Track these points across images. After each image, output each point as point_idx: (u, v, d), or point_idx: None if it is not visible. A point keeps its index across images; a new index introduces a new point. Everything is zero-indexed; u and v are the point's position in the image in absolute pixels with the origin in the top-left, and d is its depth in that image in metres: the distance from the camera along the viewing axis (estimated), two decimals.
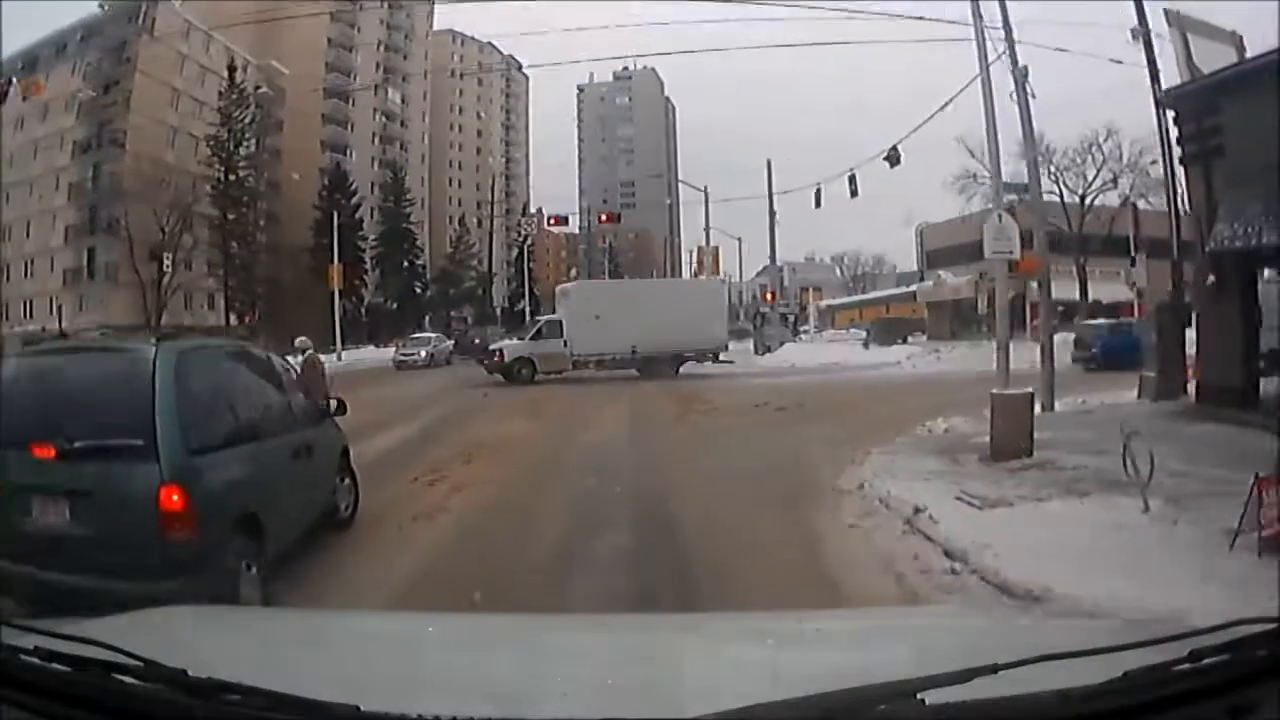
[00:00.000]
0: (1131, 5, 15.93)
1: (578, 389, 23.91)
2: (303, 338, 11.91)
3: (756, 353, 37.26)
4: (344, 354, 42.64)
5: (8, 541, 4.23)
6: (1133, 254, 37.29)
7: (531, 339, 27.18)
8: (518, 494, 9.04)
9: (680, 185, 63.87)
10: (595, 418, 16.32)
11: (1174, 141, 14.15)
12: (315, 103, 62.10)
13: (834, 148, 51.28)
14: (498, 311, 68.45)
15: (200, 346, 5.41)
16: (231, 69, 55.01)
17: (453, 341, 41.73)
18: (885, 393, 20.31)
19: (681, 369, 28.38)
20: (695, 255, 51.15)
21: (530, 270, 69.25)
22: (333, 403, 7.24)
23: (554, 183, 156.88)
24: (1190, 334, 14.90)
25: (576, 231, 78.00)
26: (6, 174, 48.01)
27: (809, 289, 64.67)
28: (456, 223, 79.21)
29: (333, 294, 43.68)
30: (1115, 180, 45.79)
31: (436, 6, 77.29)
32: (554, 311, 30.52)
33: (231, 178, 54.33)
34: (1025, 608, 4.78)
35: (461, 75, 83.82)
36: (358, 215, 62.26)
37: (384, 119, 72.87)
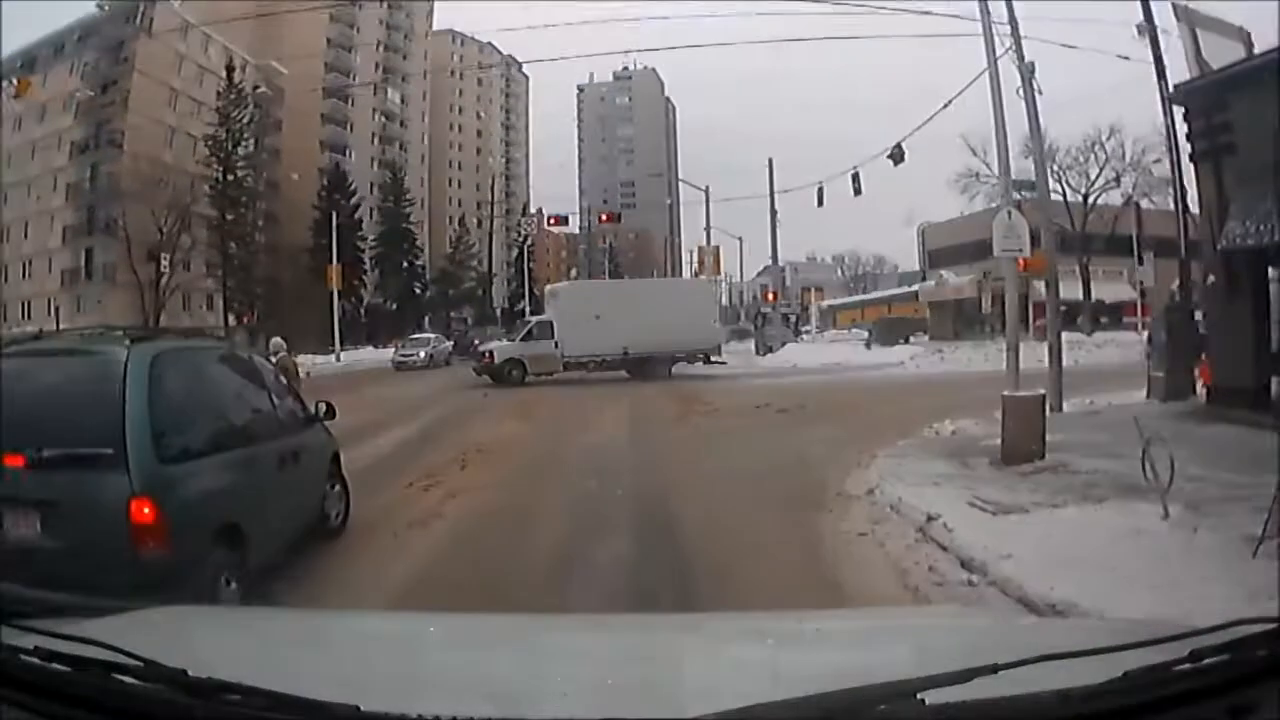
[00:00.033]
0: (1137, 2, 15.78)
1: (575, 390, 23.70)
2: (276, 339, 11.71)
3: (758, 353, 37.08)
4: (343, 355, 42.58)
5: None
6: (1138, 253, 37.31)
7: (522, 340, 26.87)
8: (517, 499, 8.81)
9: (681, 185, 63.72)
10: (595, 419, 16.12)
11: (1183, 138, 13.92)
12: (314, 103, 61.93)
13: (835, 146, 51.15)
14: (498, 312, 68.31)
15: (177, 348, 5.15)
16: (230, 69, 54.88)
17: (452, 342, 41.55)
18: (889, 394, 20.11)
19: (676, 370, 28.17)
20: (696, 255, 50.95)
21: (530, 270, 69.14)
22: (321, 406, 6.98)
23: (554, 183, 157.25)
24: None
25: (576, 231, 77.89)
26: (4, 174, 47.90)
27: (810, 289, 64.56)
28: (456, 223, 79.09)
29: (332, 294, 43.52)
30: (1118, 179, 45.72)
31: (436, 6, 77.44)
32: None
33: (230, 178, 54.20)
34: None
35: (461, 75, 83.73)
36: (357, 215, 62.16)
37: (383, 119, 72.75)
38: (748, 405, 17.59)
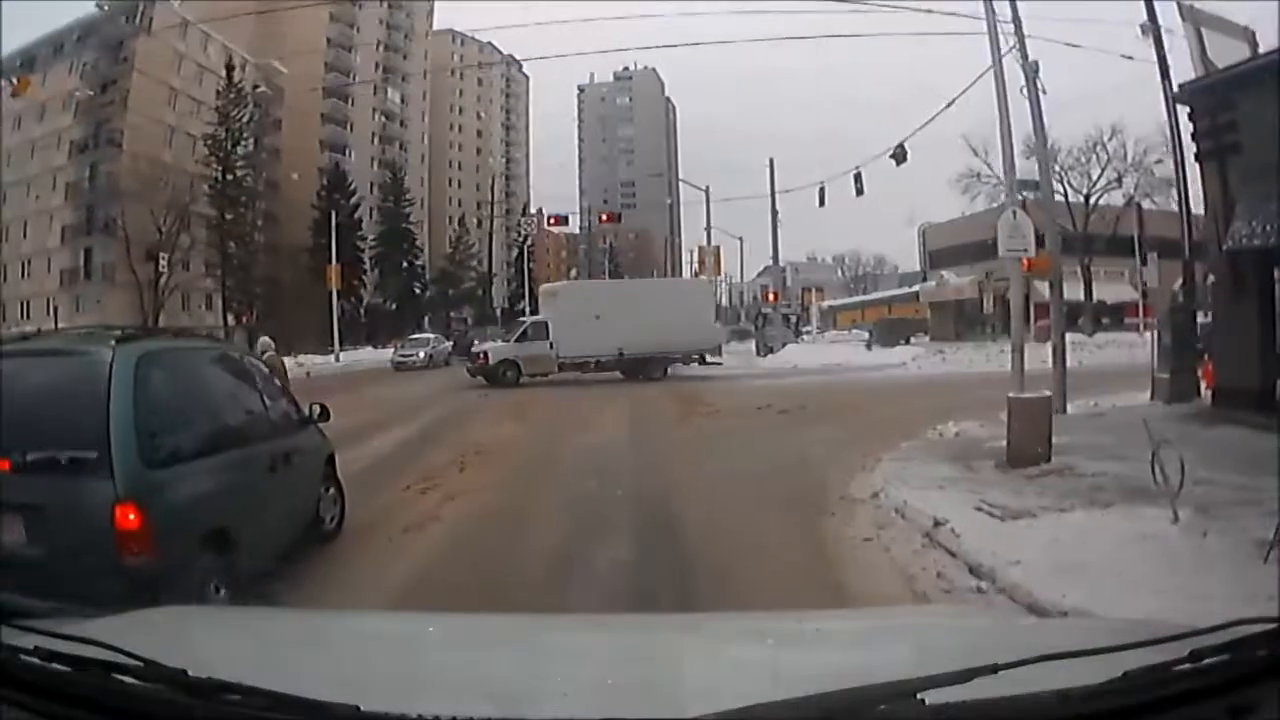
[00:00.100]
0: (1141, 1, 15.69)
1: (573, 391, 23.62)
2: (264, 338, 11.60)
3: (758, 354, 36.99)
4: (342, 355, 42.50)
5: None
6: (1140, 254, 37.18)
7: (517, 341, 26.70)
8: (517, 501, 8.72)
9: (681, 185, 63.63)
10: (595, 420, 16.02)
11: (1189, 138, 13.84)
12: (314, 102, 61.82)
13: (836, 146, 51.22)
14: (498, 312, 68.16)
15: (164, 349, 5.02)
16: (230, 68, 54.78)
17: (451, 343, 41.46)
18: (891, 395, 20.02)
19: (675, 371, 28.09)
20: (696, 255, 50.87)
21: (530, 270, 68.97)
22: (315, 408, 6.86)
23: (554, 183, 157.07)
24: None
25: (576, 231, 77.81)
26: (4, 174, 47.82)
27: (811, 289, 64.43)
28: (456, 223, 79.00)
29: (331, 294, 43.38)
30: (1120, 180, 45.66)
31: (436, 6, 77.36)
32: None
33: (229, 177, 54.09)
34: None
35: (461, 75, 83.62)
36: (357, 215, 62.07)
37: (383, 119, 72.66)
38: (748, 406, 17.49)
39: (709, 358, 30.06)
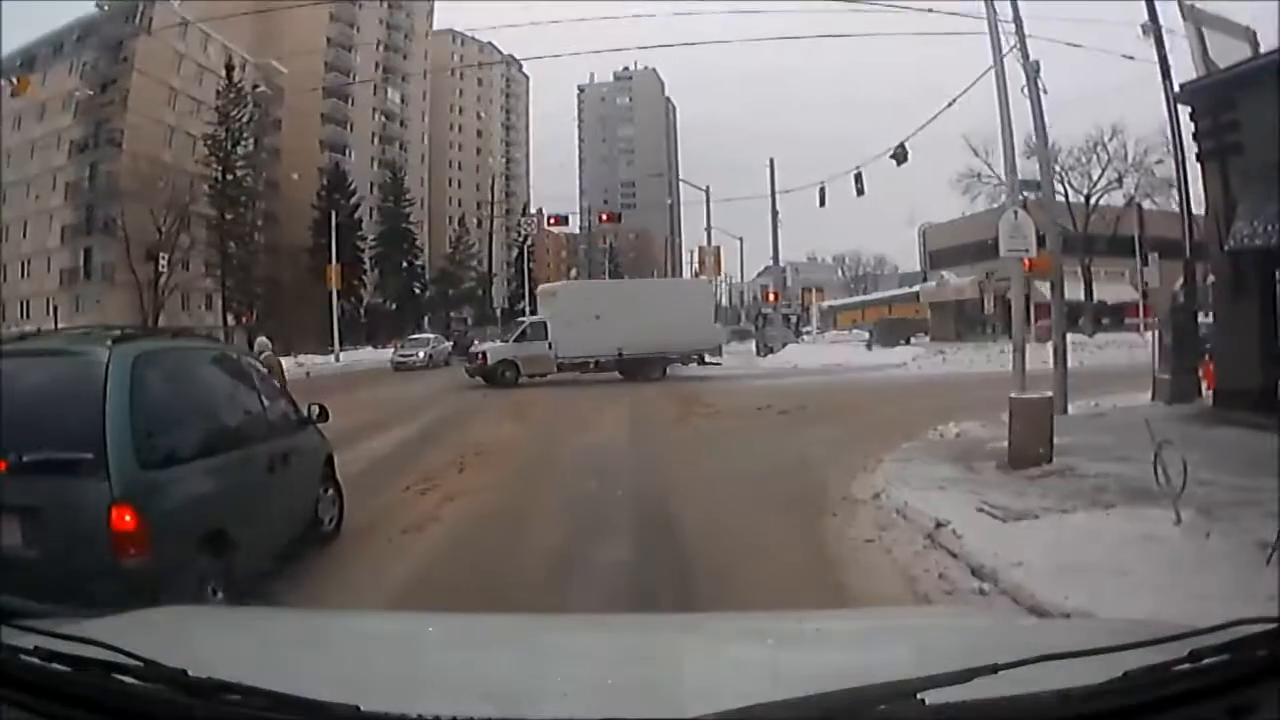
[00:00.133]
0: (1142, 1, 15.67)
1: (572, 391, 23.59)
2: (262, 338, 11.59)
3: (758, 354, 36.97)
4: (342, 355, 42.50)
5: None
6: (1141, 254, 37.17)
7: (515, 341, 26.61)
8: (516, 502, 8.69)
9: (681, 185, 63.58)
10: (595, 421, 15.99)
11: (1190, 138, 13.82)
12: (314, 102, 61.79)
13: (837, 145, 51.15)
14: (498, 312, 68.11)
15: (161, 349, 4.99)
16: (229, 68, 54.77)
17: (451, 343, 41.43)
18: (891, 395, 19.99)
19: (675, 371, 28.04)
20: (696, 255, 50.85)
21: (530, 270, 68.91)
22: (314, 409, 6.83)
23: (554, 183, 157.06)
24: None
25: (576, 231, 77.79)
26: (4, 174, 47.79)
27: (811, 289, 64.38)
28: (456, 223, 78.99)
29: (331, 294, 43.36)
30: (1120, 180, 45.65)
31: (436, 6, 77.33)
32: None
33: (229, 177, 54.08)
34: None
35: (461, 75, 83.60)
36: (357, 215, 62.05)
37: (383, 119, 72.66)
38: (749, 406, 17.45)
39: (708, 358, 30.01)
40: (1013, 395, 9.57)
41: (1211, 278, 13.86)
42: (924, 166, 29.65)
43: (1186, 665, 1.26)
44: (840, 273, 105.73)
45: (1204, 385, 13.91)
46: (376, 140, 71.69)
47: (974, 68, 16.58)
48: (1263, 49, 13.62)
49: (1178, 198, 17.87)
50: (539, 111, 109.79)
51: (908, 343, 41.95)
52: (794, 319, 50.04)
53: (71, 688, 1.30)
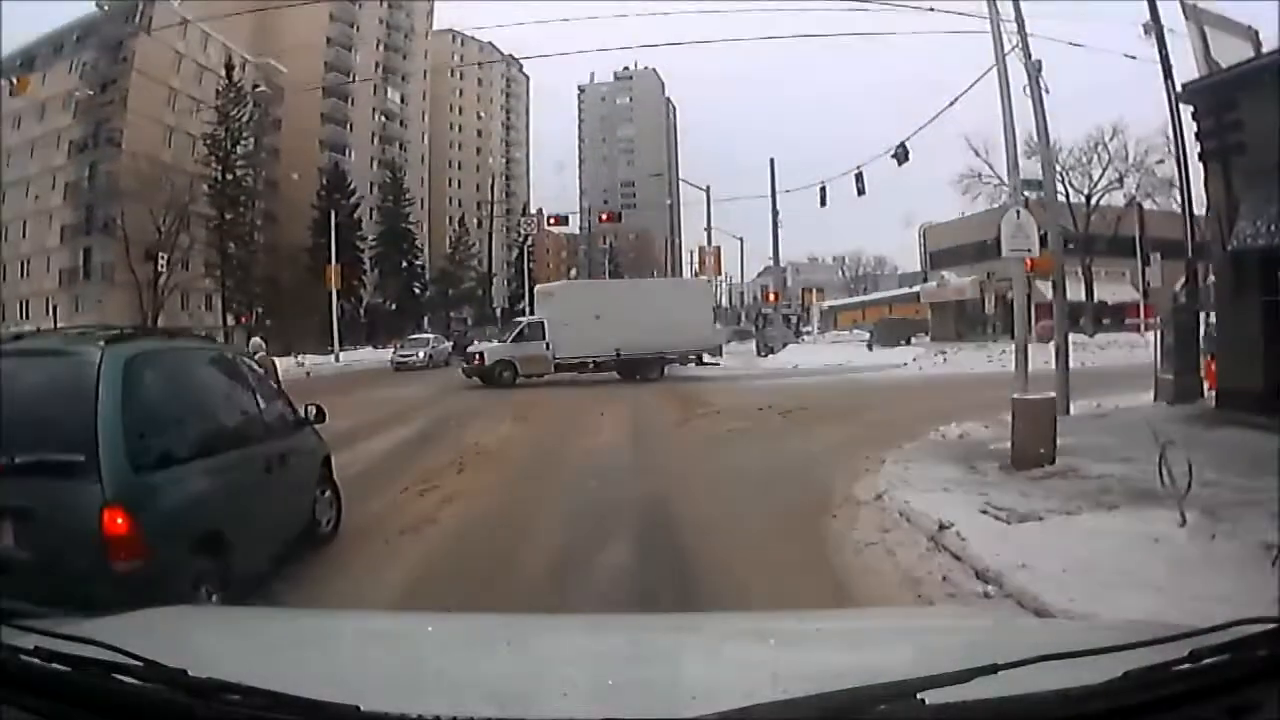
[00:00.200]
0: (1144, 1, 15.64)
1: (571, 391, 23.53)
2: (255, 339, 11.59)
3: (759, 354, 36.93)
4: (342, 355, 42.47)
5: None
6: (1142, 254, 37.16)
7: (513, 341, 26.49)
8: (516, 503, 8.64)
9: (681, 185, 63.58)
10: (595, 421, 15.93)
11: (1193, 137, 13.77)
12: (314, 102, 61.77)
13: (837, 145, 50.94)
14: (498, 312, 68.05)
15: (155, 349, 4.93)
16: (229, 67, 54.74)
17: (451, 343, 41.39)
18: (892, 395, 19.96)
19: (674, 371, 27.98)
20: (696, 255, 50.81)
21: (530, 270, 68.84)
22: (311, 409, 6.77)
23: (554, 183, 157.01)
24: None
25: (576, 232, 77.61)
26: (3, 173, 47.76)
27: (811, 289, 64.21)
28: (456, 223, 78.96)
29: (331, 294, 43.33)
30: (1121, 180, 45.60)
31: (436, 5, 77.27)
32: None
33: (229, 177, 54.07)
34: None
35: (461, 75, 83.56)
36: (356, 215, 61.99)
37: (383, 118, 72.61)
38: (749, 407, 17.40)
39: (706, 358, 29.96)
40: (1015, 396, 9.52)
41: (1212, 277, 13.81)
42: (924, 166, 29.70)
43: (1186, 665, 1.27)
44: (840, 273, 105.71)
45: (1206, 385, 13.87)
46: (376, 140, 71.65)
47: (975, 67, 16.58)
48: (1265, 49, 13.60)
49: (1179, 197, 17.89)
50: (539, 111, 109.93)
51: (908, 343, 41.96)
52: (794, 319, 50.04)
53: (71, 688, 1.30)
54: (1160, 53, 15.32)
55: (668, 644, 2.13)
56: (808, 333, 51.04)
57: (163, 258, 47.11)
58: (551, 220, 51.79)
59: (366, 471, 9.99)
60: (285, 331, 45.32)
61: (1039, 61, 13.29)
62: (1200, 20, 14.50)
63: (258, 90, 56.82)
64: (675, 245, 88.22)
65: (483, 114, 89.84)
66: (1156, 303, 26.11)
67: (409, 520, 7.64)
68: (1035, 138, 14.71)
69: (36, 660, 1.32)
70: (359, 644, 2.15)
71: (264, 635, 2.19)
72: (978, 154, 44.42)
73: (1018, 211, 10.71)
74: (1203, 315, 15.67)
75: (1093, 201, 46.00)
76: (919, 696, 1.21)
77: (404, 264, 68.55)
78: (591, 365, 26.75)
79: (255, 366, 6.47)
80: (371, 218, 66.65)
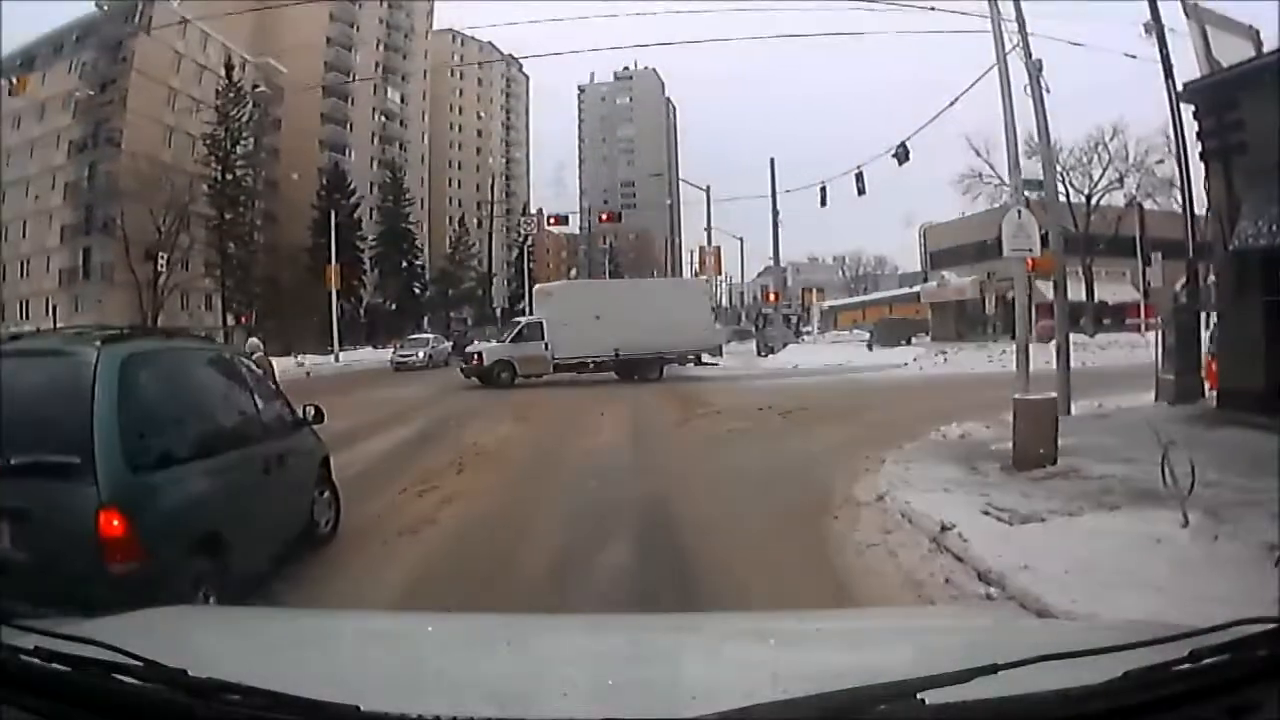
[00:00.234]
0: (1144, 0, 15.61)
1: (570, 392, 23.49)
2: (252, 339, 11.55)
3: (759, 354, 36.92)
4: (342, 355, 42.46)
5: None
6: (1142, 254, 37.16)
7: (511, 341, 26.41)
8: (516, 504, 8.60)
9: (681, 185, 63.56)
10: (595, 422, 15.90)
11: (1194, 137, 13.74)
12: (314, 102, 61.75)
13: (838, 145, 50.85)
14: (498, 312, 68.06)
15: (152, 349, 4.90)
16: (229, 67, 54.73)
17: (451, 343, 41.38)
18: (893, 395, 19.93)
19: (674, 371, 27.93)
20: (696, 255, 50.80)
21: (530, 270, 68.82)
22: (309, 410, 6.74)
23: (554, 183, 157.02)
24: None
25: (576, 232, 77.62)
26: (3, 173, 47.74)
27: (811, 289, 64.24)
28: (456, 223, 78.93)
29: (330, 294, 43.31)
30: (1121, 180, 45.57)
31: (436, 5, 77.25)
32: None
33: (229, 177, 54.05)
34: None
35: (461, 75, 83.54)
36: (356, 215, 61.97)
37: (383, 118, 72.59)
38: (750, 407, 17.36)
39: (706, 358, 29.91)
40: (1017, 396, 9.49)
41: (1213, 277, 13.78)
42: (925, 166, 29.70)
43: (1186, 665, 1.27)
44: (841, 273, 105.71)
45: (1207, 385, 13.84)
46: (376, 140, 71.63)
47: (975, 66, 16.54)
48: (1266, 48, 13.57)
49: (1180, 197, 17.86)
50: (539, 111, 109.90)
51: (908, 343, 41.96)
52: (794, 319, 50.02)
53: (71, 688, 1.30)
54: (1161, 52, 15.31)
55: (668, 644, 2.13)
56: (808, 333, 51.03)
57: (162, 258, 47.10)
58: (551, 220, 51.76)
59: (366, 472, 9.97)
60: (285, 331, 45.32)
61: (1040, 61, 13.27)
62: (1201, 19, 14.47)
63: (257, 90, 56.81)
64: (675, 245, 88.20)
65: (483, 114, 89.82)
66: (1157, 303, 26.10)
67: (408, 521, 7.61)
68: (1035, 137, 14.68)
69: (36, 660, 1.32)
70: (359, 644, 2.15)
71: (264, 635, 2.19)
72: (978, 154, 44.41)
73: (1019, 211, 10.68)
74: (1203, 315, 15.67)
75: (1093, 201, 45.98)
76: (919, 696, 1.22)
77: (404, 264, 68.53)
78: (592, 365, 26.72)
79: (252, 366, 6.44)
80: (371, 218, 66.63)
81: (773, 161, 38.37)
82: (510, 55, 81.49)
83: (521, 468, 11.04)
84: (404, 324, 58.99)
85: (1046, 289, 16.49)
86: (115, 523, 3.80)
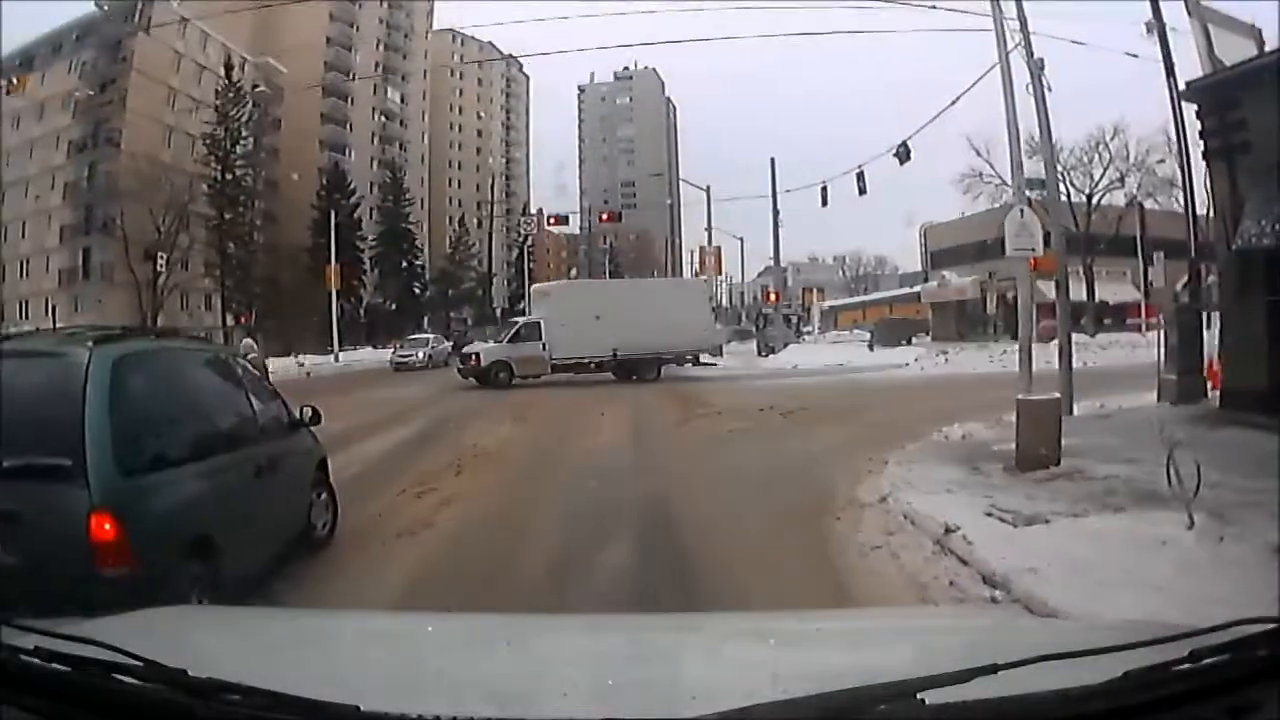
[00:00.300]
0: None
1: (569, 392, 23.44)
2: (247, 340, 11.49)
3: (759, 354, 36.89)
4: (341, 355, 42.46)
5: None
6: (1143, 254, 37.10)
7: (509, 341, 26.31)
8: (515, 506, 8.55)
9: (681, 185, 63.55)
10: (595, 422, 15.86)
11: (1196, 136, 13.68)
12: (314, 101, 61.72)
13: (838, 145, 50.80)
14: (498, 312, 68.05)
15: (146, 350, 4.84)
16: (229, 67, 54.69)
17: (451, 343, 41.35)
18: (894, 396, 19.89)
19: (673, 371, 27.89)
20: (697, 255, 50.76)
21: (530, 270, 68.76)
22: (306, 411, 6.68)
23: (554, 183, 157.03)
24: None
25: (577, 232, 77.58)
26: (3, 173, 47.71)
27: (812, 289, 64.21)
28: (456, 223, 78.90)
29: (330, 294, 43.28)
30: (1122, 180, 45.57)
31: (436, 5, 77.22)
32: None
33: (228, 177, 54.01)
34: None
35: (461, 75, 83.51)
36: (356, 215, 61.94)
37: (383, 118, 72.56)
38: (750, 407, 17.31)
39: (705, 358, 29.84)
40: (1019, 396, 9.43)
41: (1214, 277, 13.73)
42: (926, 166, 29.67)
43: (1186, 665, 1.27)
44: (841, 273, 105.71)
45: (1209, 385, 13.79)
46: (376, 140, 71.60)
47: (976, 66, 16.51)
48: (1269, 47, 13.52)
49: (1181, 197, 17.82)
50: (539, 111, 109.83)
51: (909, 343, 41.94)
52: (795, 319, 49.95)
53: (71, 688, 1.31)
54: (1163, 51, 15.24)
55: (668, 644, 2.12)
56: (808, 333, 50.97)
57: (162, 258, 47.03)
58: (551, 220, 51.71)
59: (364, 473, 9.92)
60: (285, 331, 45.33)
61: (1041, 60, 13.21)
62: (1203, 18, 14.40)
63: (257, 90, 56.77)
64: (675, 245, 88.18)
65: (483, 114, 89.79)
66: (1158, 302, 26.06)
67: (406, 523, 7.55)
68: (1037, 136, 14.61)
69: (36, 660, 1.32)
70: (359, 644, 2.15)
71: (264, 635, 2.18)
72: (979, 153, 44.38)
73: (1022, 210, 10.61)
74: (1205, 315, 15.62)
75: (1094, 201, 45.95)
76: (919, 696, 1.22)
77: (404, 264, 68.50)
78: (592, 366, 26.65)
79: (249, 367, 6.38)
80: (371, 218, 66.60)
81: (773, 161, 38.40)
82: (510, 55, 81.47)
83: (521, 468, 11.00)
84: (404, 324, 58.96)
85: (1047, 289, 16.39)
86: (107, 526, 3.75)
